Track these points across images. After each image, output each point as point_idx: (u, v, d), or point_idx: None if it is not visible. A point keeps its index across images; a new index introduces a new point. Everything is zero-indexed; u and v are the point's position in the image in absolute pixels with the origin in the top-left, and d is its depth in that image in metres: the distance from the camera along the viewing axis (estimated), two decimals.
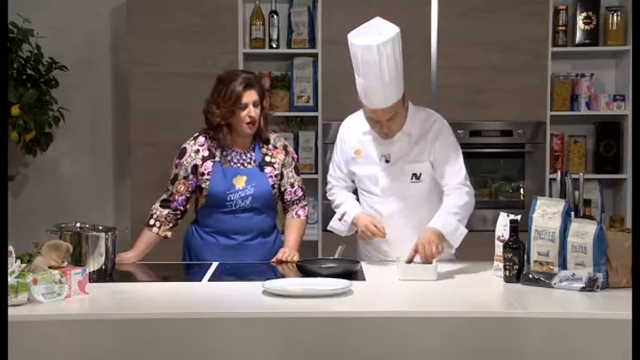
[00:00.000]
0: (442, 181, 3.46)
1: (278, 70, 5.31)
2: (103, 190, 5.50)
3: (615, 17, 5.13)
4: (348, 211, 3.54)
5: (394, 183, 3.46)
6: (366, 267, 3.30)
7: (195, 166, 3.56)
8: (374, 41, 3.21)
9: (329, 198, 3.69)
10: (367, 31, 3.28)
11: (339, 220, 3.57)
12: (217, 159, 3.56)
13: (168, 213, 3.60)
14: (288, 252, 3.53)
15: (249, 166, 3.58)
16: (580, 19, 5.15)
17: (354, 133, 3.55)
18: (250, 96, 3.49)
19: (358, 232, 3.53)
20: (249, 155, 3.60)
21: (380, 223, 3.44)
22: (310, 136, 5.21)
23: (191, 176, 3.57)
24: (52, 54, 5.16)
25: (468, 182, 3.46)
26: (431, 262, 3.19)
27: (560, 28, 5.14)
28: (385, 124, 3.38)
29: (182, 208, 3.62)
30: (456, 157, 3.45)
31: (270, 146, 3.64)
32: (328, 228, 3.65)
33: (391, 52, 3.24)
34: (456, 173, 3.43)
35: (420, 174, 3.45)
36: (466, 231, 3.37)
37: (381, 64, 3.22)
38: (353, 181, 3.63)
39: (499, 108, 5.02)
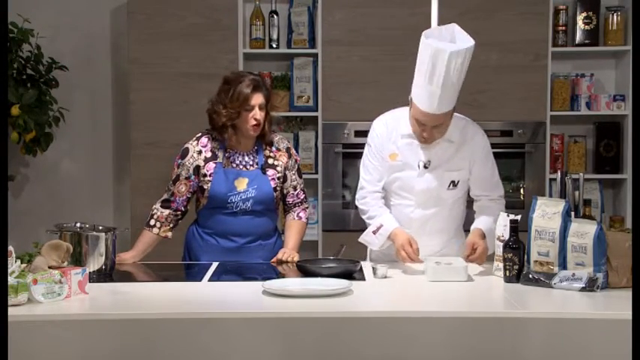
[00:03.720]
0: (480, 191, 3.48)
1: (278, 70, 5.31)
2: (103, 190, 5.49)
3: (615, 17, 5.13)
4: (385, 224, 3.37)
5: (431, 189, 3.40)
6: (366, 267, 3.30)
7: (198, 167, 3.55)
8: (449, 47, 3.13)
9: (360, 207, 3.50)
10: (444, 35, 3.21)
11: (374, 232, 3.39)
12: (220, 160, 3.56)
13: (169, 214, 3.60)
14: (289, 252, 3.52)
15: (252, 168, 3.57)
16: (580, 19, 5.15)
17: (391, 135, 3.43)
18: (258, 99, 3.49)
19: (395, 248, 3.33)
20: (251, 157, 3.59)
21: (415, 241, 3.28)
22: (310, 136, 5.21)
23: (193, 177, 3.57)
24: (52, 54, 5.16)
25: (503, 191, 3.54)
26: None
27: (560, 28, 5.14)
28: (429, 130, 3.30)
29: (183, 208, 3.62)
30: (494, 168, 3.49)
31: (274, 148, 3.63)
32: (359, 240, 3.46)
33: (460, 62, 3.17)
34: (496, 185, 3.50)
35: (458, 181, 3.42)
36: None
37: (447, 72, 3.15)
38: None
39: (499, 108, 5.02)
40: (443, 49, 3.12)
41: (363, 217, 3.49)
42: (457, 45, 3.16)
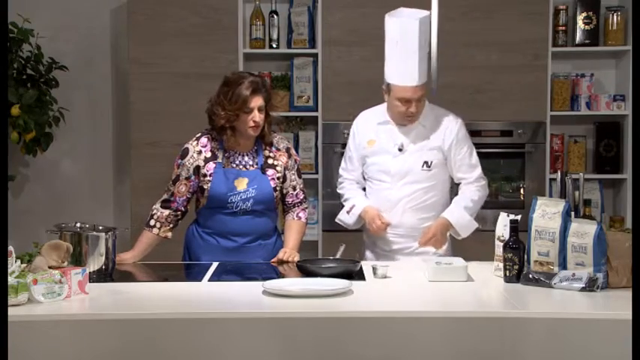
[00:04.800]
0: (458, 174, 3.67)
1: (278, 70, 5.31)
2: (103, 190, 5.49)
3: (615, 17, 5.13)
4: (356, 204, 3.72)
5: (405, 169, 3.63)
6: (366, 267, 3.30)
7: (198, 167, 3.55)
8: (415, 15, 3.47)
9: (339, 192, 3.87)
10: (403, 12, 3.54)
11: (347, 212, 3.74)
12: (219, 160, 3.55)
13: (169, 214, 3.60)
14: (289, 252, 3.52)
15: (252, 168, 3.57)
16: (580, 19, 5.15)
17: (368, 124, 3.72)
18: (257, 101, 3.48)
19: (366, 224, 3.69)
20: (251, 157, 3.59)
21: (385, 216, 3.61)
22: (310, 136, 5.21)
23: (193, 177, 3.56)
24: (52, 54, 5.16)
25: (483, 175, 3.70)
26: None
27: (560, 28, 5.14)
28: (415, 104, 3.54)
29: (183, 208, 3.62)
30: (471, 152, 3.68)
31: (273, 148, 3.63)
32: (336, 220, 3.83)
33: (426, 30, 3.54)
34: (472, 168, 3.68)
35: (431, 162, 3.63)
36: (477, 225, 3.63)
37: (420, 40, 3.47)
38: (364, 177, 3.77)
39: (499, 108, 5.02)
40: (394, 20, 3.52)
41: (342, 200, 3.84)
42: (421, 14, 3.52)
